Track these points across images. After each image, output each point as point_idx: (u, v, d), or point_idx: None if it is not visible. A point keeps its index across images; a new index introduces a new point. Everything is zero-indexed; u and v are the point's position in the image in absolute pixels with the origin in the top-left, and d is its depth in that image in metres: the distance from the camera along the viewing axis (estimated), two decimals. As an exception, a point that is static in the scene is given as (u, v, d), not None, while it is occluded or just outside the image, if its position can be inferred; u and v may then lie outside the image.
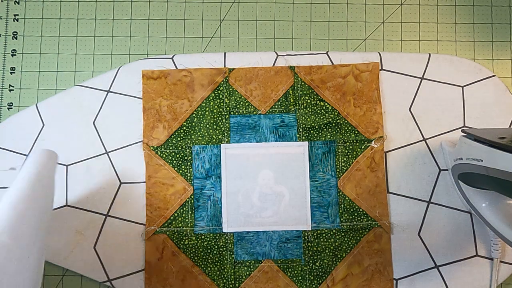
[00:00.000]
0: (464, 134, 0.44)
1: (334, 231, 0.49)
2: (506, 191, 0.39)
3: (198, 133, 0.51)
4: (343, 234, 0.50)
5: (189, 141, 0.51)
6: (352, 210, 0.50)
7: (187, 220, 0.50)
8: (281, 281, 0.49)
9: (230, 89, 0.51)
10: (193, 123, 0.51)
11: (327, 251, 0.49)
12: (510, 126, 0.51)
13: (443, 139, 0.51)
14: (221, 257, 0.49)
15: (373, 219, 0.50)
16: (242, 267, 0.49)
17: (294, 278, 0.49)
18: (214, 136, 0.51)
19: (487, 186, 0.42)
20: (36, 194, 0.38)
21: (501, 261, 0.49)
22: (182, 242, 0.50)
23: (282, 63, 0.51)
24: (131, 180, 0.50)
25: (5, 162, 0.50)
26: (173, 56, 0.51)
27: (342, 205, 0.50)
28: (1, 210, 0.35)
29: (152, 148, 0.50)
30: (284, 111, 0.51)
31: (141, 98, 0.51)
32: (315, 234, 0.49)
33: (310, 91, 0.51)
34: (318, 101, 0.51)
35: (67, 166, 0.51)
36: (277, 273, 0.49)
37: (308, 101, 0.51)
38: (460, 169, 0.45)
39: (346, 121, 0.50)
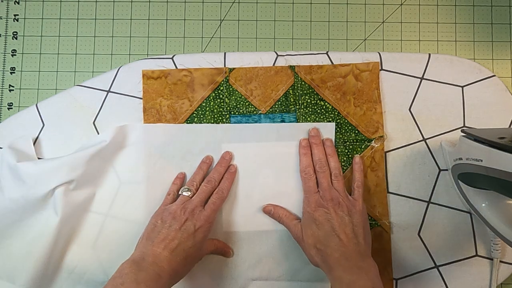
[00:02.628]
0: (464, 134, 0.44)
1: (334, 231, 0.49)
2: (506, 191, 0.39)
3: (198, 133, 0.51)
4: (343, 234, 0.49)
5: (189, 141, 0.51)
6: (352, 210, 0.50)
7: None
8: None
9: (230, 89, 0.51)
10: (194, 123, 0.51)
11: (327, 251, 0.49)
12: (510, 126, 0.51)
13: (443, 139, 0.51)
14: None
15: (373, 218, 0.50)
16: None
17: (294, 278, 0.49)
18: (214, 136, 0.51)
19: (487, 186, 0.42)
20: None
21: (501, 261, 0.49)
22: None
23: (282, 63, 0.51)
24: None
25: (5, 162, 0.50)
26: (173, 56, 0.51)
27: (342, 205, 0.50)
28: None
29: (152, 148, 0.50)
30: (284, 110, 0.51)
31: (141, 98, 0.51)
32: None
33: (310, 90, 0.51)
34: (318, 101, 0.51)
35: (67, 166, 0.51)
36: (277, 273, 0.49)
37: (308, 100, 0.51)
38: (460, 169, 0.45)
39: (346, 121, 0.50)
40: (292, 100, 0.51)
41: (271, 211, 0.49)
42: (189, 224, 0.43)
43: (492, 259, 0.49)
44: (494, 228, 0.43)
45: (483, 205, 0.45)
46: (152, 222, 0.44)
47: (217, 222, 0.49)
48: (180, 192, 0.47)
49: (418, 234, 0.50)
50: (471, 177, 0.43)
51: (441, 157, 0.51)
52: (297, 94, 0.51)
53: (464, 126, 0.51)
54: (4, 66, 0.54)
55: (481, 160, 0.39)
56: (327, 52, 0.52)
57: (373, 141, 0.50)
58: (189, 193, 0.46)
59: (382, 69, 0.51)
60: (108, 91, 0.51)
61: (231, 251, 0.49)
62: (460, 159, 0.44)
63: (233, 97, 0.51)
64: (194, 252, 0.43)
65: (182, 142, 0.50)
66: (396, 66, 0.51)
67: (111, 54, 0.54)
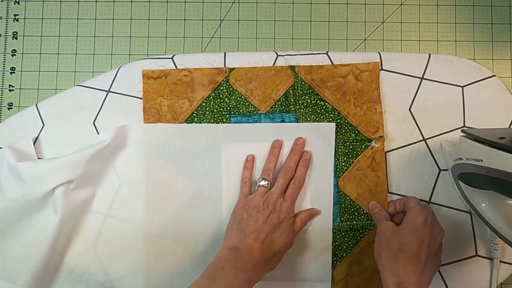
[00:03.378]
0: (464, 134, 0.44)
1: (334, 230, 0.50)
2: (506, 191, 0.39)
3: (198, 133, 0.51)
4: (343, 233, 0.50)
5: (189, 141, 0.51)
6: (352, 209, 0.50)
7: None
8: (281, 281, 0.49)
9: (231, 88, 0.51)
10: (194, 123, 0.51)
11: (327, 251, 0.49)
12: (510, 126, 0.51)
13: (443, 139, 0.51)
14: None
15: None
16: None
17: (294, 278, 0.49)
18: (214, 136, 0.51)
19: (487, 186, 0.42)
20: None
21: (501, 261, 0.49)
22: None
23: (282, 63, 0.51)
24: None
25: (5, 162, 0.50)
26: (173, 56, 0.51)
27: (343, 205, 0.50)
28: None
29: (152, 148, 0.50)
30: (285, 110, 0.51)
31: (141, 98, 0.51)
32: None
33: (311, 90, 0.51)
34: (318, 101, 0.51)
35: (67, 166, 0.51)
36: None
37: (308, 100, 0.51)
38: (460, 169, 0.45)
39: (346, 121, 0.50)
40: (292, 100, 0.51)
41: (374, 210, 0.49)
42: (273, 216, 0.45)
43: (492, 259, 0.49)
44: (494, 228, 0.43)
45: (483, 205, 0.45)
46: (239, 214, 0.46)
47: (217, 221, 0.49)
48: (258, 183, 0.47)
49: (418, 234, 0.50)
50: (471, 177, 0.43)
51: (441, 157, 0.51)
52: (297, 94, 0.51)
53: (464, 126, 0.51)
54: (4, 66, 0.54)
55: (481, 160, 0.39)
56: (327, 52, 0.52)
57: (373, 141, 0.50)
58: (267, 182, 0.47)
59: (382, 69, 0.51)
60: (108, 91, 0.51)
61: (316, 210, 0.50)
62: (460, 159, 0.44)
63: (233, 97, 0.51)
64: (283, 240, 0.45)
65: (182, 142, 0.50)
66: (396, 66, 0.51)
67: (111, 54, 0.54)
